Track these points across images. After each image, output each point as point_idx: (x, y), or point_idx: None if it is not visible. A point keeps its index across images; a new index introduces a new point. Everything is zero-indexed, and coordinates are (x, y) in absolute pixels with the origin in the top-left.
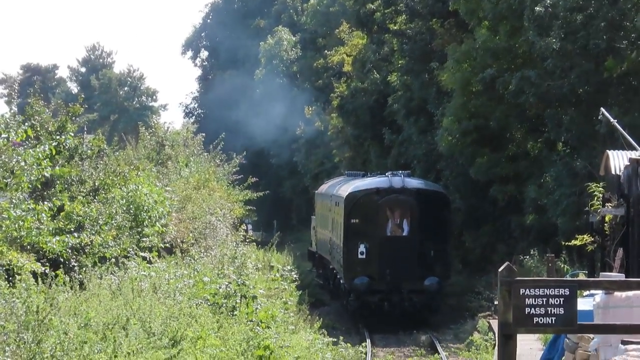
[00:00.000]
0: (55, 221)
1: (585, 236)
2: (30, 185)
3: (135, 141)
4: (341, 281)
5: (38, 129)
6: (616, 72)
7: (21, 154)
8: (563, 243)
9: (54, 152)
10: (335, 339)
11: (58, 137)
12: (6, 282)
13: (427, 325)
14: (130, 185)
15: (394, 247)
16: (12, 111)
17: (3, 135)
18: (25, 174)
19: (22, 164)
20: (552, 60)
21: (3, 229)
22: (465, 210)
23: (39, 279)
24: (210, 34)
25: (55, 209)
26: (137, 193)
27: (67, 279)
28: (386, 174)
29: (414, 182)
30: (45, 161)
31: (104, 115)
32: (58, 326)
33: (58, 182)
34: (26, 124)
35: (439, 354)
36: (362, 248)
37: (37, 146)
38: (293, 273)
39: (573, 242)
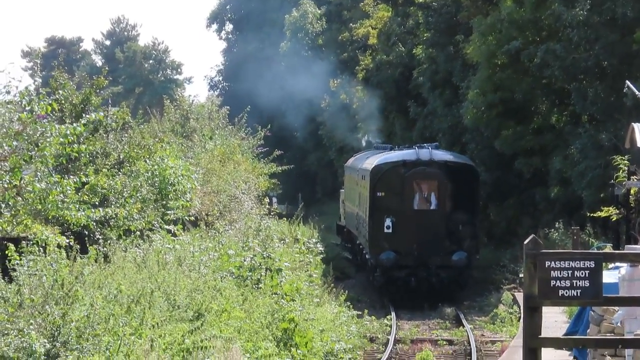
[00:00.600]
0: (79, 194)
1: (610, 208)
2: (56, 160)
3: (160, 114)
4: (367, 256)
5: (63, 102)
6: None
7: (46, 127)
8: (588, 215)
9: (82, 130)
10: (360, 312)
11: (85, 112)
12: (32, 255)
13: (453, 301)
14: (155, 158)
15: (421, 221)
16: (36, 83)
17: (27, 108)
18: (52, 149)
19: (49, 139)
20: (578, 32)
21: (28, 202)
22: (491, 183)
23: (64, 251)
24: (235, 6)
25: (80, 183)
26: (163, 166)
27: (92, 251)
28: (414, 146)
29: (441, 155)
30: (72, 139)
31: (129, 88)
32: (84, 299)
33: (83, 155)
34: (51, 97)
35: (463, 326)
36: (388, 222)
37: (67, 124)
38: (318, 245)
39: (598, 213)
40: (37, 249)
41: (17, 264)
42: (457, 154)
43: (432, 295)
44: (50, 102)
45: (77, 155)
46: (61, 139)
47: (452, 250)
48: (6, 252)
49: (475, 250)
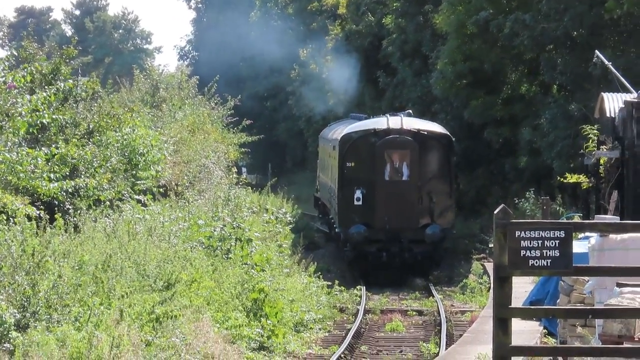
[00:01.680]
0: (49, 164)
1: (580, 176)
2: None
3: (129, 84)
4: (336, 230)
5: (33, 72)
6: (616, 13)
7: (18, 98)
8: (558, 178)
9: (52, 99)
10: (330, 283)
11: (54, 81)
12: (1, 225)
13: (426, 275)
14: (125, 128)
15: (393, 193)
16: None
17: (1, 79)
18: (23, 119)
19: (20, 108)
20: (547, 2)
21: None
22: (460, 153)
23: (34, 222)
24: None
25: (51, 155)
26: (132, 136)
27: (62, 222)
28: (386, 114)
29: (413, 122)
30: (42, 107)
31: (99, 58)
32: (53, 269)
33: (52, 125)
34: (26, 70)
35: (433, 297)
36: (358, 194)
37: (37, 92)
38: (287, 215)
39: (567, 178)
40: (5, 218)
41: None
42: (431, 121)
43: (404, 270)
44: (25, 74)
45: (48, 123)
46: (32, 109)
47: (426, 224)
48: None
49: (450, 223)
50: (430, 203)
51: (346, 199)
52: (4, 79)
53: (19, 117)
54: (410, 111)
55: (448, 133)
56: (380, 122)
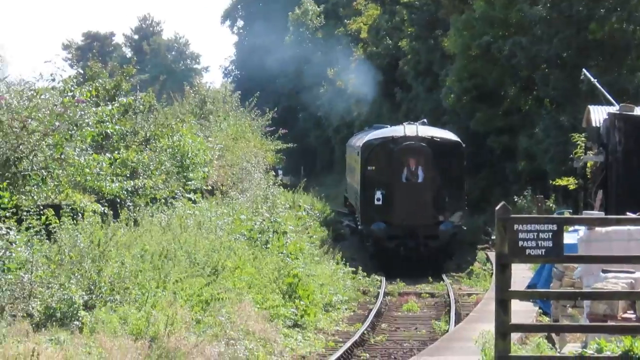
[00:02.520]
0: (112, 167)
1: (570, 178)
2: (93, 139)
3: (181, 98)
4: (359, 227)
5: (98, 88)
6: (599, 35)
7: (84, 110)
8: (551, 182)
9: (115, 112)
10: (354, 269)
11: (116, 96)
12: (72, 220)
13: (440, 270)
14: (175, 135)
15: (410, 194)
16: (76, 73)
17: (69, 94)
18: (90, 129)
19: (87, 119)
20: (540, 27)
21: (68, 173)
22: (466, 158)
23: (99, 217)
24: (245, 5)
25: (114, 159)
26: (182, 143)
27: (123, 216)
28: (403, 123)
29: (428, 130)
30: (107, 118)
31: (154, 76)
32: (116, 257)
33: (115, 134)
34: (91, 85)
35: (444, 281)
36: (378, 194)
37: (101, 106)
38: (315, 212)
39: (558, 181)
40: (74, 214)
41: (58, 227)
42: (444, 129)
43: (420, 263)
44: (90, 89)
45: (112, 132)
46: (97, 120)
47: (439, 221)
48: (48, 217)
49: (461, 220)
50: (443, 202)
51: (368, 199)
52: (72, 93)
53: (87, 127)
54: (425, 120)
55: (459, 140)
56: (398, 130)
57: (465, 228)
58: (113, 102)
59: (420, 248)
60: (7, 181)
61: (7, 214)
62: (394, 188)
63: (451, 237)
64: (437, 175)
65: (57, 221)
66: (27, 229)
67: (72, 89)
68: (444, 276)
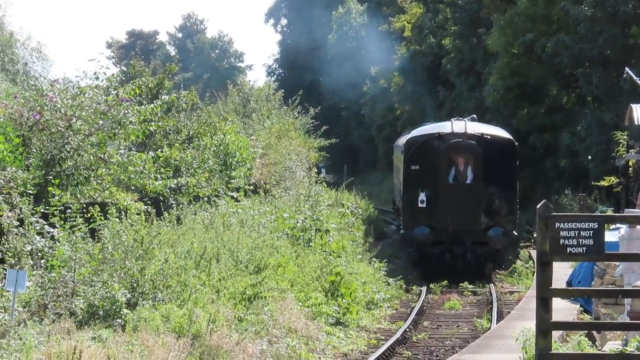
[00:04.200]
0: (155, 165)
1: (612, 178)
2: (136, 137)
3: (224, 97)
4: (401, 231)
5: (141, 86)
6: None
7: (128, 109)
8: (593, 183)
9: (158, 110)
10: (396, 267)
11: (159, 94)
12: (116, 218)
13: (489, 279)
14: (219, 134)
15: (457, 196)
16: (119, 71)
17: (113, 92)
18: (135, 127)
19: (131, 118)
20: (584, 26)
21: (111, 172)
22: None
23: (142, 215)
24: (289, 3)
25: (157, 157)
26: (225, 141)
27: (166, 214)
28: (451, 119)
29: (477, 127)
30: (150, 117)
31: (198, 75)
32: (159, 255)
33: (157, 132)
34: (134, 84)
35: (486, 280)
36: (422, 196)
37: (144, 104)
38: (359, 210)
39: (601, 182)
40: (118, 212)
41: (102, 225)
42: (494, 126)
43: (467, 272)
44: (134, 87)
45: (155, 129)
46: (142, 119)
47: (489, 226)
48: (92, 215)
49: (512, 226)
50: (493, 206)
51: (410, 201)
52: (116, 92)
53: (130, 125)
54: (474, 116)
55: (511, 137)
56: (444, 127)
57: (516, 234)
58: (156, 100)
59: (467, 255)
60: (51, 180)
61: (54, 212)
62: (440, 189)
63: (501, 244)
64: (487, 175)
65: (102, 219)
66: (71, 227)
67: (116, 87)
68: (487, 275)
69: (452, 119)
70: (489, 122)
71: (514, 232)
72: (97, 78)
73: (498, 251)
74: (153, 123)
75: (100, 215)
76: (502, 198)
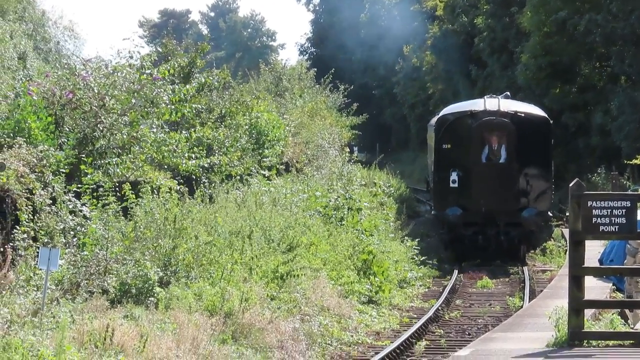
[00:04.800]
0: (188, 144)
1: None
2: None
3: (257, 76)
4: (432, 212)
5: (175, 67)
6: None
7: (161, 88)
8: (625, 162)
9: (192, 91)
10: (429, 246)
11: (191, 73)
12: (149, 196)
13: (523, 262)
14: (253, 113)
15: (490, 176)
16: (152, 51)
17: (147, 71)
18: (168, 106)
19: (164, 97)
20: (616, 4)
21: (145, 151)
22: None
23: (175, 194)
24: None
25: (191, 137)
26: (259, 120)
27: (199, 193)
28: (484, 96)
29: (511, 104)
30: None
31: (230, 53)
32: (191, 233)
33: (190, 111)
34: (169, 64)
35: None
36: (454, 176)
37: (177, 83)
38: (392, 189)
39: (634, 161)
40: (151, 190)
41: (135, 203)
42: (529, 104)
43: (500, 254)
44: (168, 67)
45: (188, 110)
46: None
47: (523, 207)
48: (124, 193)
49: (547, 206)
50: (527, 186)
51: (442, 180)
52: (149, 71)
53: (163, 105)
54: (508, 93)
55: (546, 115)
56: (477, 104)
57: (551, 214)
58: (190, 80)
59: (500, 237)
60: (84, 158)
61: (87, 190)
62: (472, 169)
63: (535, 225)
64: (521, 155)
65: (134, 197)
66: (104, 205)
67: (150, 67)
68: (521, 257)
69: (485, 97)
70: (521, 101)
71: (548, 212)
72: (132, 57)
73: (532, 232)
74: (187, 104)
75: (133, 194)
76: (536, 178)
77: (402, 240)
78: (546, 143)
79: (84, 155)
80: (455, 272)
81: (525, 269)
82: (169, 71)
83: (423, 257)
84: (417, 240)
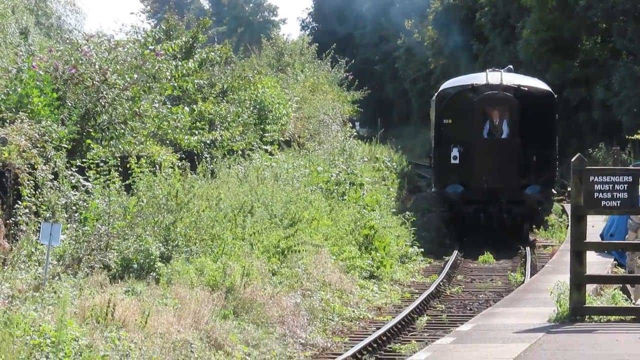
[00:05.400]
0: (190, 118)
1: None
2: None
3: (258, 51)
4: (433, 189)
5: (179, 44)
6: None
7: (163, 63)
8: (627, 137)
9: (195, 67)
10: (430, 221)
11: (193, 48)
12: (150, 171)
13: (526, 240)
14: (258, 87)
15: (492, 152)
16: (157, 29)
17: (151, 47)
18: (170, 83)
19: (166, 72)
20: None
21: (147, 125)
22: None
23: (176, 168)
24: None
25: (193, 113)
26: (264, 95)
27: (200, 168)
28: (486, 70)
29: (514, 78)
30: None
31: (232, 28)
32: (193, 208)
33: (191, 86)
34: (173, 42)
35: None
36: (455, 152)
37: (182, 62)
38: (394, 163)
39: (635, 136)
40: (152, 166)
41: (137, 177)
42: (532, 77)
43: (502, 233)
44: (172, 45)
45: (191, 86)
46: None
47: (526, 184)
48: (128, 166)
49: (550, 183)
50: (530, 162)
51: (443, 157)
52: (152, 47)
53: (165, 80)
54: (511, 67)
55: (550, 89)
56: (479, 78)
57: (555, 192)
58: (192, 55)
59: (502, 215)
60: (87, 133)
61: (90, 165)
62: (474, 145)
63: (538, 203)
64: (524, 130)
65: (139, 171)
66: (106, 180)
67: (152, 43)
68: (525, 236)
69: (487, 70)
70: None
71: (552, 190)
72: (137, 32)
73: (536, 210)
74: (189, 79)
75: (138, 167)
76: (539, 154)
77: (403, 216)
78: (550, 118)
79: (91, 130)
80: (457, 246)
81: (528, 249)
82: (172, 47)
83: (424, 232)
84: (418, 214)
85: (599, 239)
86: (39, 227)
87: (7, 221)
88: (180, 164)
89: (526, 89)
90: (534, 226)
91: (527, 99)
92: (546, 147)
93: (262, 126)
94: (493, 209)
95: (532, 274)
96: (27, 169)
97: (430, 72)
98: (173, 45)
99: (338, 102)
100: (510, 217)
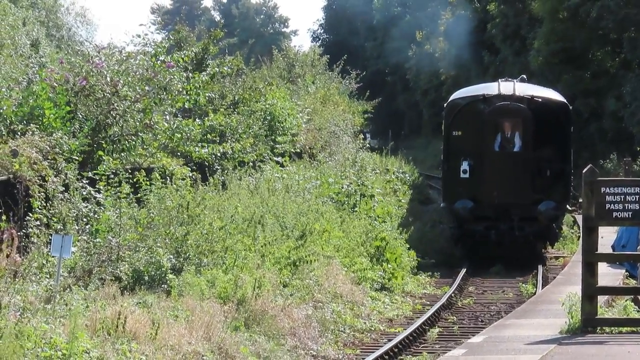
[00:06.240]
0: (201, 130)
1: None
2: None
3: (269, 62)
4: (441, 204)
5: (190, 56)
6: None
7: (174, 75)
8: (638, 148)
9: (208, 80)
10: (441, 233)
11: (204, 60)
12: (161, 183)
13: (539, 259)
14: (269, 99)
15: (504, 165)
16: (167, 39)
17: (161, 58)
18: (182, 96)
19: (178, 85)
20: None
21: (158, 137)
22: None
23: (188, 180)
24: None
25: (205, 125)
26: (275, 107)
27: (211, 180)
28: (498, 80)
29: (527, 89)
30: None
31: (243, 40)
32: (204, 220)
33: (202, 98)
34: (184, 54)
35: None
36: (465, 166)
37: (189, 71)
38: (406, 175)
39: None
40: (163, 178)
41: (147, 189)
42: (546, 88)
43: (514, 251)
44: (183, 56)
45: (202, 99)
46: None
47: (539, 200)
48: (137, 180)
49: (565, 199)
50: (544, 177)
51: (452, 170)
52: (163, 59)
53: (177, 93)
54: (524, 76)
55: (565, 100)
56: (490, 88)
57: (570, 208)
58: (203, 67)
59: (514, 232)
60: (97, 145)
61: (101, 177)
62: (485, 158)
63: (552, 220)
64: (537, 143)
65: (148, 184)
66: (116, 192)
67: (163, 54)
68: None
69: (499, 80)
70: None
71: (567, 205)
72: (146, 44)
73: (549, 227)
74: (201, 92)
75: (146, 180)
76: (554, 168)
77: (415, 228)
78: (565, 130)
79: (103, 142)
80: (467, 262)
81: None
82: (182, 59)
83: (436, 245)
84: (430, 226)
85: (610, 250)
86: (50, 239)
87: (19, 233)
88: (191, 175)
89: (540, 99)
90: (548, 246)
91: (541, 110)
92: (560, 161)
93: (273, 137)
94: (504, 226)
95: (543, 286)
96: (38, 181)
97: (441, 84)
98: (184, 56)
99: (349, 114)
100: (522, 235)
